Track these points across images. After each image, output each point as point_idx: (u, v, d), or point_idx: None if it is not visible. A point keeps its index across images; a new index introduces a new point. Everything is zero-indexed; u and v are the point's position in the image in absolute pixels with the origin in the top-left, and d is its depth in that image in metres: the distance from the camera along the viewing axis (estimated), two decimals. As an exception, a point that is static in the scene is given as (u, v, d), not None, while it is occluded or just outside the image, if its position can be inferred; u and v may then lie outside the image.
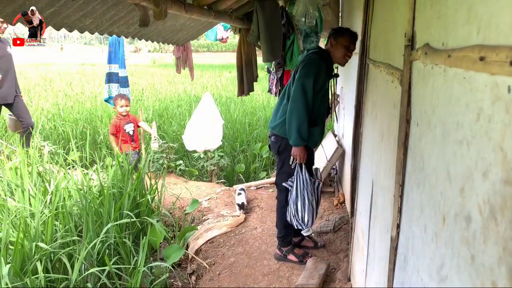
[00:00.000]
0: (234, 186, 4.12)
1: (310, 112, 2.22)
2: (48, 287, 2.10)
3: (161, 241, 2.76)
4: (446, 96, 0.76)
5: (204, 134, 4.28)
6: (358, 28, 2.46)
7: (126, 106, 3.97)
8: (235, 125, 6.21)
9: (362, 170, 2.10)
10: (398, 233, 1.13)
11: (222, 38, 6.68)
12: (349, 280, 2.30)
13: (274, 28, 3.48)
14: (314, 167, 2.53)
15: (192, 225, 3.29)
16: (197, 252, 2.91)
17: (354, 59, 2.54)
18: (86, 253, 2.18)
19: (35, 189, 2.86)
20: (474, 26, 0.63)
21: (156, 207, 3.20)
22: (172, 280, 2.67)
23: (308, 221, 2.29)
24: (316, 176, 2.45)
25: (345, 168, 3.46)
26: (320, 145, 4.13)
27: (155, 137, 4.28)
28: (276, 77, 4.13)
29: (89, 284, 2.15)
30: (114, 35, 3.12)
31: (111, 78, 4.81)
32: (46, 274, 2.05)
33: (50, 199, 2.73)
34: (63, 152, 4.46)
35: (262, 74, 6.90)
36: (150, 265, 2.46)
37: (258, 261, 2.63)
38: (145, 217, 2.77)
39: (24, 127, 4.42)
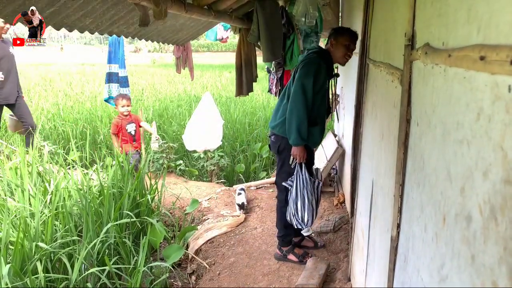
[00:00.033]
0: (234, 186, 4.12)
1: (310, 112, 2.22)
2: (48, 287, 2.10)
3: (161, 241, 2.77)
4: (446, 96, 0.76)
5: (204, 134, 4.28)
6: (358, 28, 2.46)
7: (128, 106, 3.96)
8: (235, 125, 6.21)
9: (362, 170, 2.10)
10: (398, 233, 1.13)
11: (222, 38, 6.68)
12: (349, 280, 2.30)
13: (274, 28, 3.48)
14: (314, 167, 2.53)
15: (192, 225, 3.29)
16: (197, 252, 2.91)
17: (354, 59, 2.54)
18: (86, 253, 2.18)
19: (35, 189, 2.86)
20: (474, 25, 0.63)
21: (156, 207, 3.20)
22: (172, 280, 2.67)
23: (308, 220, 2.29)
24: (316, 176, 2.45)
25: (345, 168, 3.46)
26: (320, 145, 4.13)
27: (157, 137, 4.28)
28: (276, 77, 4.12)
29: (89, 284, 2.16)
30: (114, 35, 3.12)
31: (111, 78, 4.80)
32: (46, 274, 2.05)
33: (50, 199, 2.73)
34: (63, 152, 4.46)
35: (262, 74, 6.90)
36: (150, 265, 2.46)
37: (258, 261, 2.63)
38: (145, 217, 2.77)
39: (25, 128, 4.41)
